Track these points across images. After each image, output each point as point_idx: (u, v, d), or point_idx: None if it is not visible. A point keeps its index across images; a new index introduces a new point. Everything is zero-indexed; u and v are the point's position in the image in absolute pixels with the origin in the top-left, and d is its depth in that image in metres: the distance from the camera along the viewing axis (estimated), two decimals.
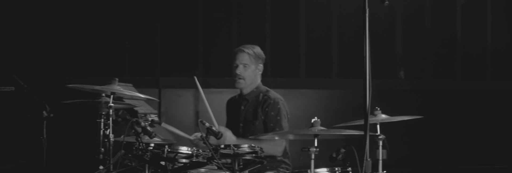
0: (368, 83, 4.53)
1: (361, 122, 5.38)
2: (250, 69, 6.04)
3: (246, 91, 6.13)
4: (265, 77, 9.18)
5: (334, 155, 5.14)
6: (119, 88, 5.56)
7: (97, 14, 9.04)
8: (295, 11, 9.44)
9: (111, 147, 5.48)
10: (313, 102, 9.38)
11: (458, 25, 9.66)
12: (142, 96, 5.78)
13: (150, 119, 6.25)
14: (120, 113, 5.86)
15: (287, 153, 6.03)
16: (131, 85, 7.23)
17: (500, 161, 9.41)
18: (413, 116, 5.57)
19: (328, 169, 5.17)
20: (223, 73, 9.06)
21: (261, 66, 6.16)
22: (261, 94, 6.09)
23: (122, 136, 5.50)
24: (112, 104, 5.53)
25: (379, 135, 5.41)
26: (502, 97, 9.66)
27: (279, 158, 5.97)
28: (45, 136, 6.46)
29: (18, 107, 7.07)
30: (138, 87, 8.76)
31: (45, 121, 6.42)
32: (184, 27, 9.29)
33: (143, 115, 6.43)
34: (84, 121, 6.00)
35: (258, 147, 5.17)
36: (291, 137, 5.52)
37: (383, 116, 5.48)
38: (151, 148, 5.25)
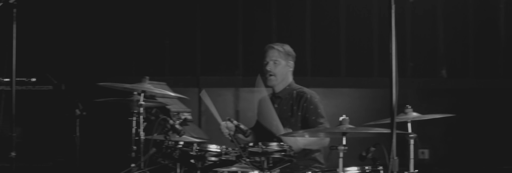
0: (394, 81, 4.43)
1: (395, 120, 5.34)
2: (280, 65, 6.02)
3: (278, 88, 6.10)
4: (305, 76, 9.20)
5: (363, 154, 5.09)
6: (149, 86, 5.58)
7: (137, 14, 9.09)
8: (335, 10, 9.38)
9: (141, 145, 5.50)
10: (355, 101, 9.31)
11: (501, 23, 9.51)
12: (173, 94, 5.79)
13: (183, 117, 6.27)
14: (153, 111, 5.88)
15: (320, 151, 6.00)
16: (164, 83, 7.26)
17: None
18: (444, 114, 5.44)
19: (358, 168, 5.12)
20: (263, 72, 9.04)
21: (291, 63, 6.12)
22: (294, 91, 6.06)
23: (154, 134, 5.53)
24: (142, 102, 5.56)
25: (410, 134, 5.32)
26: None
27: (312, 156, 5.93)
28: (78, 134, 6.52)
29: (56, 105, 7.14)
30: (178, 86, 8.80)
31: (78, 119, 6.48)
32: (223, 26, 9.30)
33: (175, 113, 6.44)
34: (117, 119, 6.03)
35: (286, 145, 5.14)
36: (321, 135, 5.49)
37: (414, 114, 5.39)
38: (180, 146, 5.25)
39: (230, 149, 5.21)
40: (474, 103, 9.40)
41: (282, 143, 5.16)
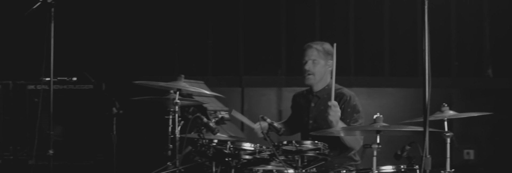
0: (427, 79, 4.37)
1: (431, 118, 5.28)
2: (319, 64, 5.96)
3: (317, 88, 6.05)
4: (348, 75, 9.15)
5: (399, 153, 5.04)
6: (184, 84, 5.59)
7: (180, 14, 9.13)
8: (378, 8, 9.31)
9: (177, 144, 5.52)
10: (398, 101, 9.22)
11: None
12: (208, 92, 5.80)
13: (219, 116, 6.27)
14: (191, 110, 5.90)
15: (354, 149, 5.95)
16: (202, 82, 7.27)
17: None
18: (482, 112, 5.36)
19: (393, 166, 5.08)
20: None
21: (331, 63, 6.06)
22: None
23: (191, 133, 5.55)
24: (178, 101, 5.57)
25: (447, 132, 5.24)
26: None
27: (348, 155, 5.89)
28: (115, 133, 6.57)
29: (96, 104, 7.20)
30: (222, 86, 8.83)
31: (115, 118, 6.53)
32: (266, 26, 9.29)
33: (212, 112, 6.45)
34: (154, 117, 6.05)
35: (321, 143, 5.11)
36: (357, 133, 5.45)
37: (451, 112, 5.32)
38: (214, 144, 5.25)
39: (264, 147, 5.19)
40: None
41: (316, 142, 5.13)
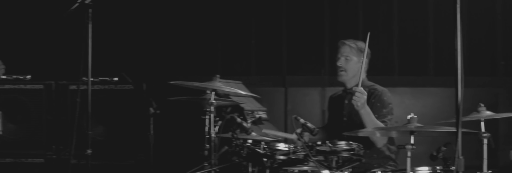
0: (460, 79, 4.31)
1: (467, 118, 5.22)
2: (352, 61, 5.95)
3: (349, 84, 6.04)
4: (392, 75, 9.08)
5: (434, 153, 4.99)
6: (220, 84, 5.60)
7: (224, 14, 9.15)
8: (423, 7, 9.22)
9: (212, 144, 5.54)
10: (443, 101, 9.11)
11: None
12: (244, 93, 5.80)
13: (257, 116, 6.28)
14: (228, 110, 5.91)
15: (394, 149, 5.90)
16: (240, 82, 7.27)
17: None
18: None
19: (429, 167, 5.03)
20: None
21: (365, 60, 6.04)
22: (366, 89, 5.98)
23: (227, 133, 5.56)
24: (213, 101, 5.59)
25: (483, 133, 5.16)
26: None
27: (386, 154, 5.84)
28: (152, 133, 6.61)
29: (136, 104, 7.26)
30: (265, 86, 8.82)
31: (152, 118, 6.58)
32: (310, 25, 9.26)
33: (250, 112, 6.45)
34: (191, 117, 6.08)
35: (355, 143, 5.08)
36: (394, 134, 5.41)
37: (488, 112, 5.24)
38: (248, 144, 5.25)
39: (298, 147, 5.18)
40: None
41: (350, 142, 5.10)
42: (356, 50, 5.96)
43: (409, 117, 4.87)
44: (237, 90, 5.78)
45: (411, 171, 4.89)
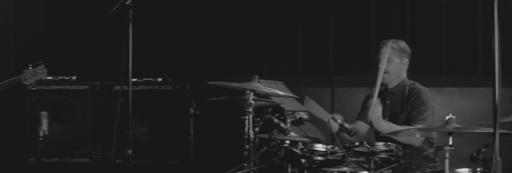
0: (497, 78, 4.24)
1: (509, 119, 5.12)
2: (394, 63, 5.93)
3: (391, 85, 6.03)
4: (440, 75, 8.95)
5: (474, 155, 4.93)
6: (258, 85, 5.60)
7: (270, 14, 9.14)
8: (472, 7, 9.07)
9: (251, 144, 5.54)
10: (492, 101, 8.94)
11: None
12: (282, 93, 5.79)
13: (297, 116, 6.25)
14: (269, 110, 5.90)
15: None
16: (281, 82, 7.24)
17: None
18: None
19: (469, 169, 4.96)
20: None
21: (406, 61, 6.03)
22: (407, 88, 5.96)
23: (268, 134, 5.55)
24: (252, 101, 5.59)
25: None
26: None
27: (425, 154, 5.79)
28: (192, 133, 6.64)
29: (179, 104, 7.29)
30: (311, 86, 8.78)
31: (192, 118, 6.60)
32: (356, 25, 9.19)
33: (290, 112, 6.42)
34: (231, 118, 6.08)
35: (394, 144, 5.04)
36: (435, 135, 5.34)
37: None
38: (286, 145, 5.24)
39: (336, 148, 5.15)
40: None
41: (389, 143, 5.06)
42: (398, 51, 5.92)
43: (447, 118, 4.81)
44: (276, 91, 5.78)
45: None
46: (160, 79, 7.50)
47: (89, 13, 8.50)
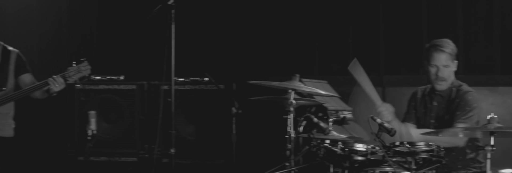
0: None
1: None
2: (450, 69, 5.88)
3: (441, 88, 5.96)
4: (494, 74, 8.80)
5: None
6: (299, 84, 5.59)
7: (320, 14, 9.11)
8: None
9: (292, 144, 5.52)
10: None
11: None
12: (323, 92, 5.76)
13: (341, 116, 6.22)
14: (312, 110, 5.89)
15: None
16: (325, 82, 7.20)
17: None
18: None
19: None
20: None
21: (456, 63, 5.96)
22: (454, 89, 5.89)
23: (307, 134, 5.53)
24: (293, 101, 5.57)
25: None
26: None
27: (470, 156, 5.71)
28: (234, 132, 6.64)
29: (221, 104, 7.31)
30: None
31: (234, 118, 6.60)
32: (407, 24, 9.10)
33: (334, 112, 6.37)
34: (274, 117, 6.07)
35: (435, 145, 4.98)
36: (479, 135, 5.26)
37: None
38: (326, 144, 5.21)
39: (377, 148, 5.10)
40: None
41: (430, 143, 5.01)
42: (452, 56, 5.87)
43: (489, 117, 4.73)
44: (317, 90, 5.75)
45: None
46: (206, 79, 7.53)
47: (135, 13, 8.57)
